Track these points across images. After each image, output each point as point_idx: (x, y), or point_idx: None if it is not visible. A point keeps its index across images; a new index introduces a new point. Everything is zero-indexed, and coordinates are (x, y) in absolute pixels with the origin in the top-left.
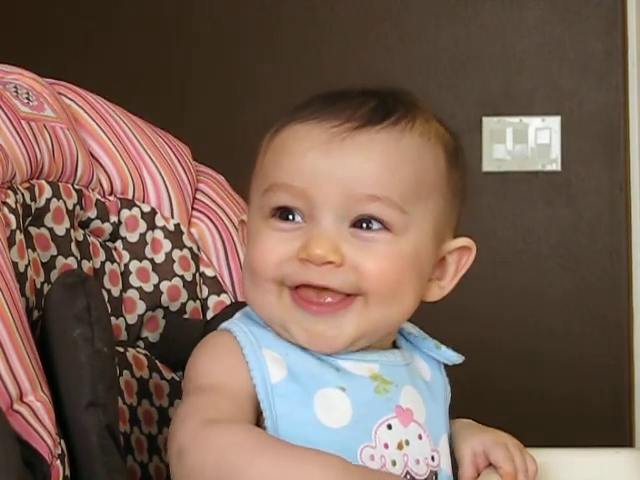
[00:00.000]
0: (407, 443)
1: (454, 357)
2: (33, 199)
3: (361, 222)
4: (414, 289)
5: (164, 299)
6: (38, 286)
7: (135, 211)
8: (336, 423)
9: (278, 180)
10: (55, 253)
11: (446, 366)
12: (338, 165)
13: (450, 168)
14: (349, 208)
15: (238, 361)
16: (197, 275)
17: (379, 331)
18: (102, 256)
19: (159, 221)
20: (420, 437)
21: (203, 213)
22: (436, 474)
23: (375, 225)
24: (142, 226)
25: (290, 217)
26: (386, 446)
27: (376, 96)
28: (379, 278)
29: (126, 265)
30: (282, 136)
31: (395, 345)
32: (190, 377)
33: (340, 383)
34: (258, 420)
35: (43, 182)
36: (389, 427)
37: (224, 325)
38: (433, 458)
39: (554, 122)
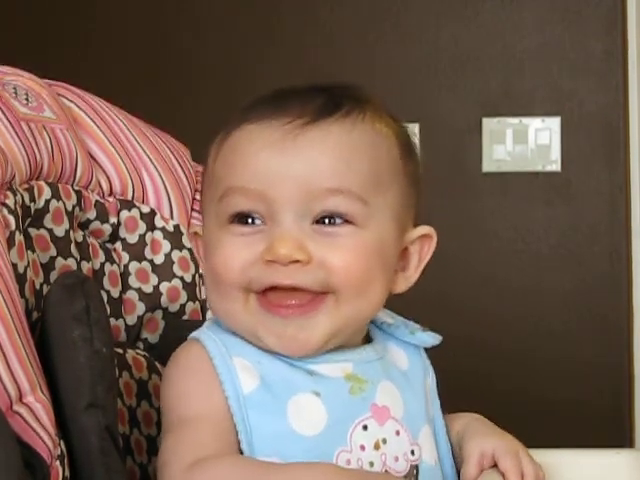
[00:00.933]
0: (384, 442)
1: (430, 339)
2: (32, 200)
3: (323, 218)
4: (382, 281)
5: (163, 300)
6: (37, 287)
7: (134, 212)
8: (310, 431)
9: (234, 184)
10: (54, 254)
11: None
12: (293, 162)
13: (404, 158)
14: (309, 205)
15: (210, 377)
16: (196, 276)
17: (351, 327)
18: (101, 257)
19: (158, 222)
20: (398, 433)
21: None
22: (417, 467)
23: (337, 220)
24: (141, 227)
25: (249, 221)
26: (362, 448)
27: (325, 91)
28: (347, 271)
29: (125, 266)
30: (232, 139)
31: (367, 338)
32: (167, 401)
33: (314, 388)
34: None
35: (42, 183)
36: (365, 428)
37: (194, 334)
38: (413, 452)
39: (554, 123)
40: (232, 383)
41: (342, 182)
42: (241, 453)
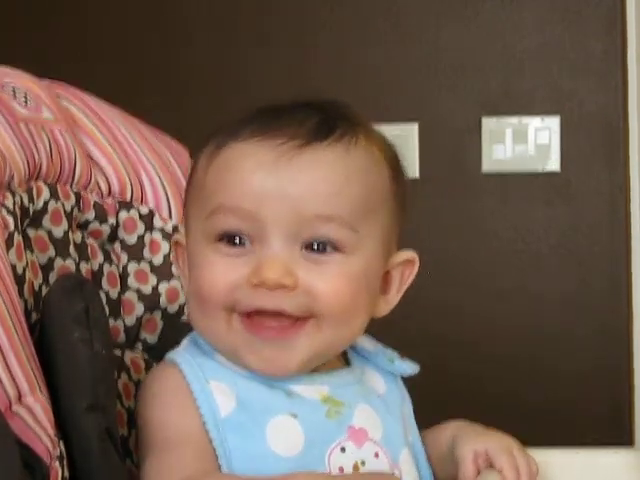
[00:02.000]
0: (363, 464)
1: (409, 369)
2: (31, 201)
3: (312, 244)
4: (366, 307)
5: (162, 301)
6: (36, 288)
7: (133, 213)
8: (289, 452)
9: (225, 202)
10: (53, 255)
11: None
12: (287, 185)
13: (394, 181)
14: (300, 229)
15: (188, 401)
16: None
17: (331, 352)
18: (100, 258)
19: (157, 223)
20: (377, 455)
21: None
22: None
23: (327, 247)
24: (140, 228)
25: (237, 241)
26: (341, 470)
27: (318, 110)
28: (333, 300)
29: (124, 267)
30: (225, 155)
31: (347, 361)
32: (146, 425)
33: (291, 409)
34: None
35: (41, 184)
36: (342, 450)
37: (171, 356)
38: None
39: (554, 122)
40: (209, 407)
41: (334, 209)
42: None
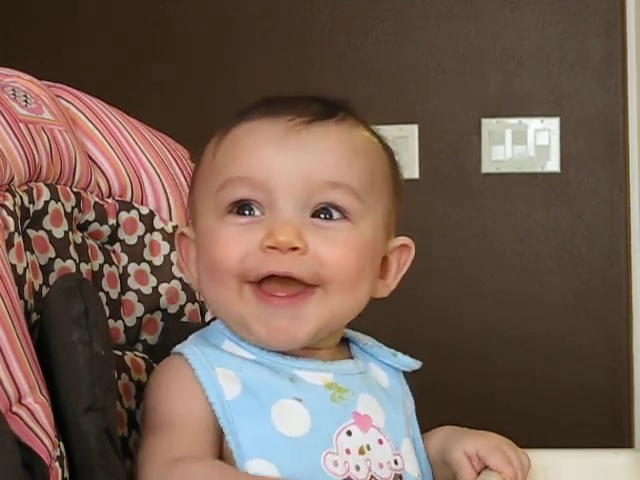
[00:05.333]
0: (368, 448)
1: (411, 363)
2: (31, 202)
3: (320, 212)
4: (370, 279)
5: (163, 301)
6: (37, 289)
7: (133, 213)
8: (296, 432)
9: (235, 174)
10: (53, 256)
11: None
12: (297, 154)
13: (392, 168)
14: (309, 196)
15: (193, 387)
16: None
17: (336, 322)
18: (100, 259)
19: (157, 223)
20: (380, 442)
21: None
22: (401, 477)
23: (335, 214)
24: (140, 228)
25: (247, 212)
26: (348, 452)
27: (319, 100)
28: (341, 266)
29: (124, 268)
30: (233, 135)
31: (350, 355)
32: (148, 411)
33: (296, 394)
34: (221, 440)
35: (41, 185)
36: (349, 433)
37: (177, 348)
38: (396, 462)
39: (553, 123)
40: (215, 390)
41: (343, 177)
42: (227, 454)
